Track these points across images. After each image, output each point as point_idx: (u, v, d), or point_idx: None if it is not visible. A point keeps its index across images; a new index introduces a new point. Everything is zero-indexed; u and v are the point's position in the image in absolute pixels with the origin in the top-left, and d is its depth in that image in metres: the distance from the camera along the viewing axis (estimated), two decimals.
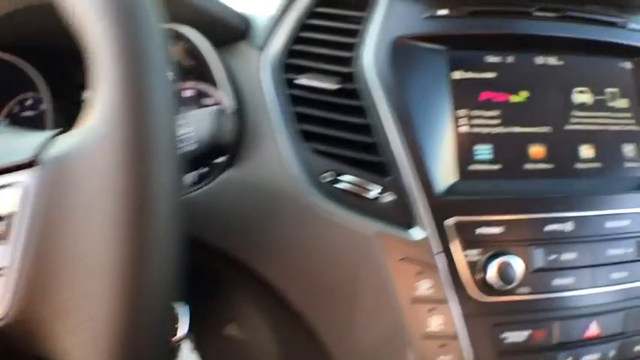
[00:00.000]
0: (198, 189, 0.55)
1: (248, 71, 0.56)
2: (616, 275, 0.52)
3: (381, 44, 0.53)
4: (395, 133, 0.51)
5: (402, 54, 0.53)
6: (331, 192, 0.51)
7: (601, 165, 0.56)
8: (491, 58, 0.56)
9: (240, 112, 0.55)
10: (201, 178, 0.56)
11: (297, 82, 0.54)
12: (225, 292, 0.60)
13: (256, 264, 0.53)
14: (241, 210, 0.53)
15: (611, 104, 0.59)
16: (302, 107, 0.54)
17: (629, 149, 0.58)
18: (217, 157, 0.49)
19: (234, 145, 0.53)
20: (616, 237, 0.53)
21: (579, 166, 0.56)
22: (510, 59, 0.56)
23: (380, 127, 0.51)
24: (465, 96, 0.55)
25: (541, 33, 0.57)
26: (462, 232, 0.49)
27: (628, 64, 0.60)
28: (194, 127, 0.43)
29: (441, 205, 0.50)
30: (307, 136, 0.53)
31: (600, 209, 0.52)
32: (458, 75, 0.55)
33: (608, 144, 0.57)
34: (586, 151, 0.56)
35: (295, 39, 0.56)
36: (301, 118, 0.54)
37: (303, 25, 0.56)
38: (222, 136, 0.43)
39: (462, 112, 0.54)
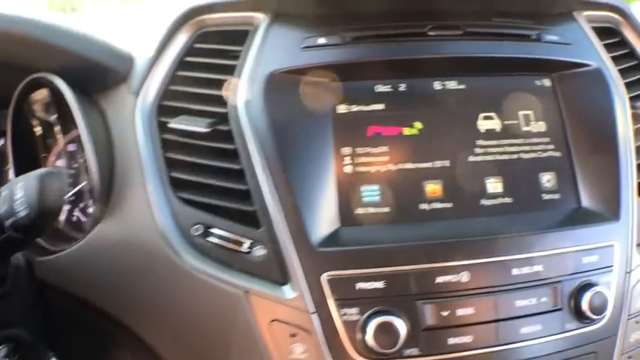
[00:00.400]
0: (74, 245, 0.52)
1: (123, 116, 0.53)
2: (527, 329, 0.46)
3: (254, 80, 0.49)
4: (264, 179, 0.46)
5: (277, 90, 0.48)
6: (202, 246, 0.47)
7: (512, 200, 0.50)
8: (381, 88, 0.51)
9: (111, 161, 0.51)
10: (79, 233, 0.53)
11: (169, 125, 0.50)
12: (106, 348, 0.57)
13: (130, 321, 0.50)
14: (112, 266, 0.50)
15: (525, 129, 0.52)
16: (173, 153, 0.50)
17: (547, 179, 0.51)
18: (54, 219, 0.46)
19: (104, 197, 0.50)
20: (526, 285, 0.46)
21: (485, 203, 0.50)
22: (403, 87, 0.51)
23: (252, 173, 0.47)
24: (350, 132, 0.49)
25: (438, 55, 0.51)
26: (339, 289, 0.44)
27: (547, 81, 0.53)
28: (24, 191, 0.40)
29: (317, 259, 0.45)
30: (178, 185, 0.49)
31: (506, 254, 0.46)
32: (343, 109, 0.50)
33: (521, 175, 0.51)
34: (494, 185, 0.50)
35: (172, 79, 0.52)
36: (172, 164, 0.50)
37: (180, 64, 0.53)
38: (49, 200, 0.39)
39: (347, 150, 0.49)
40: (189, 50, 0.53)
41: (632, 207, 0.51)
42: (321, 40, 0.50)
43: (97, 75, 0.55)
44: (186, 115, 0.51)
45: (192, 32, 0.53)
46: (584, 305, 0.46)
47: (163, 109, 0.51)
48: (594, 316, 0.46)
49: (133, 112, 0.52)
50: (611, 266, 0.49)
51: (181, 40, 0.53)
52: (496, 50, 0.52)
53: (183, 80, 0.52)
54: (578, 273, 0.48)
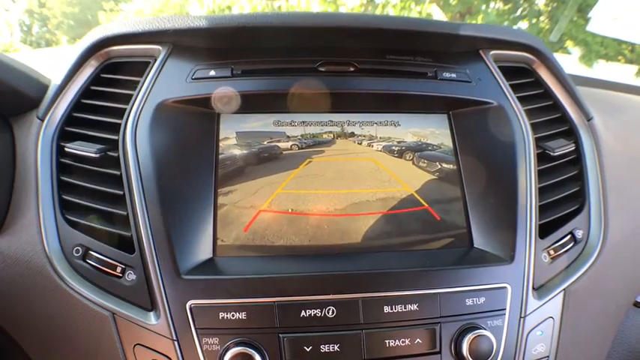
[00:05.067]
0: None
1: (29, 139, 0.54)
2: None
3: (144, 110, 0.50)
4: (140, 205, 0.46)
5: (164, 119, 0.50)
6: (80, 267, 0.48)
7: (396, 237, 0.49)
8: (271, 122, 0.51)
9: (11, 180, 0.53)
10: None
11: (66, 149, 0.52)
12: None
13: (15, 334, 0.51)
14: (2, 280, 0.50)
15: (416, 166, 0.51)
16: (67, 176, 0.51)
17: (436, 218, 0.50)
18: None
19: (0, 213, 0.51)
20: (399, 325, 0.45)
21: (368, 239, 0.49)
22: (293, 122, 0.51)
23: (132, 199, 0.47)
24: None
25: (328, 90, 0.51)
26: (202, 317, 0.44)
27: (443, 119, 0.53)
28: None
29: (182, 286, 0.44)
30: (68, 207, 0.50)
31: (377, 290, 0.45)
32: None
33: (407, 213, 0.50)
34: (378, 221, 0.49)
35: (76, 106, 0.54)
36: (65, 187, 0.51)
37: (85, 92, 0.54)
38: None
39: (230, 181, 0.49)
40: (95, 79, 0.54)
41: (529, 249, 0.49)
42: (212, 72, 0.51)
43: (11, 99, 0.57)
44: (83, 140, 0.52)
45: (99, 62, 0.55)
46: (464, 350, 0.44)
47: (65, 135, 0.53)
48: None
49: (37, 136, 0.53)
50: (503, 309, 0.48)
51: (89, 69, 0.55)
52: (388, 86, 0.52)
53: (87, 108, 0.54)
54: (459, 315, 0.46)
